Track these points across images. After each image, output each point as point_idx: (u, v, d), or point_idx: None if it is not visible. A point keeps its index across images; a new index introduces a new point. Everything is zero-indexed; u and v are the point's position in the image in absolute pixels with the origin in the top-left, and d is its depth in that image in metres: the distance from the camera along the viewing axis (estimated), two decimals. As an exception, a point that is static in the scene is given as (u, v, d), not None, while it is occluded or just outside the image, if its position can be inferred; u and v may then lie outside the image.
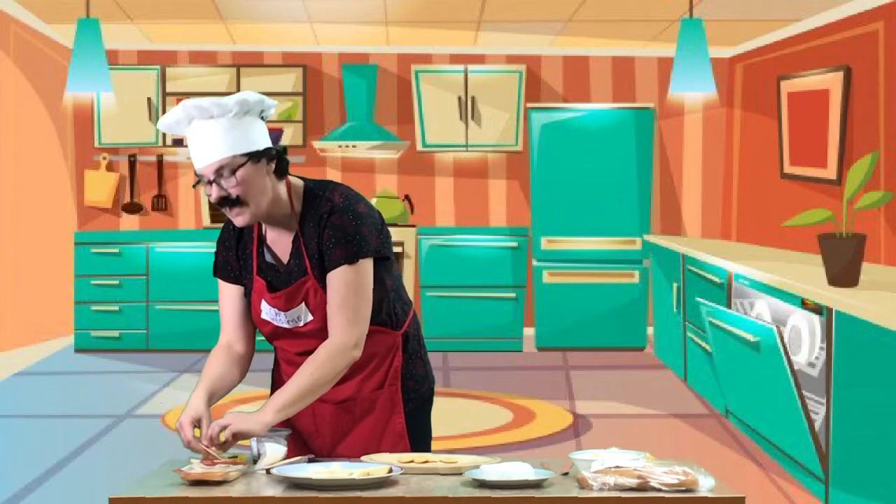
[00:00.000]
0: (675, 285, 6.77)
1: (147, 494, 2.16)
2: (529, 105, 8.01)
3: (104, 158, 8.14)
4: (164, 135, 8.08)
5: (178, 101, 8.08)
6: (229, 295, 2.65)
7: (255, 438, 2.42)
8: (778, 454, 4.81)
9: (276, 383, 2.71)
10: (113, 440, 5.24)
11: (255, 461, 2.40)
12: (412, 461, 2.34)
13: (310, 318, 2.54)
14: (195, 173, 2.55)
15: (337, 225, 2.49)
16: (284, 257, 2.59)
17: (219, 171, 2.47)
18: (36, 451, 5.01)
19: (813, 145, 6.45)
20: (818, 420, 4.32)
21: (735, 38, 7.71)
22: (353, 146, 7.98)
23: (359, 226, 2.50)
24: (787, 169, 6.93)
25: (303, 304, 2.54)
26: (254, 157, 2.47)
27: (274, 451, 2.39)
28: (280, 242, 2.59)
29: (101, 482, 4.57)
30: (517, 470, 2.24)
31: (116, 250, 7.68)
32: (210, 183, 2.50)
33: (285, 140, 8.08)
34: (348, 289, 2.48)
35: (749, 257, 5.74)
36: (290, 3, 6.69)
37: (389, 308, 2.63)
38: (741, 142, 8.08)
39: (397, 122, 8.33)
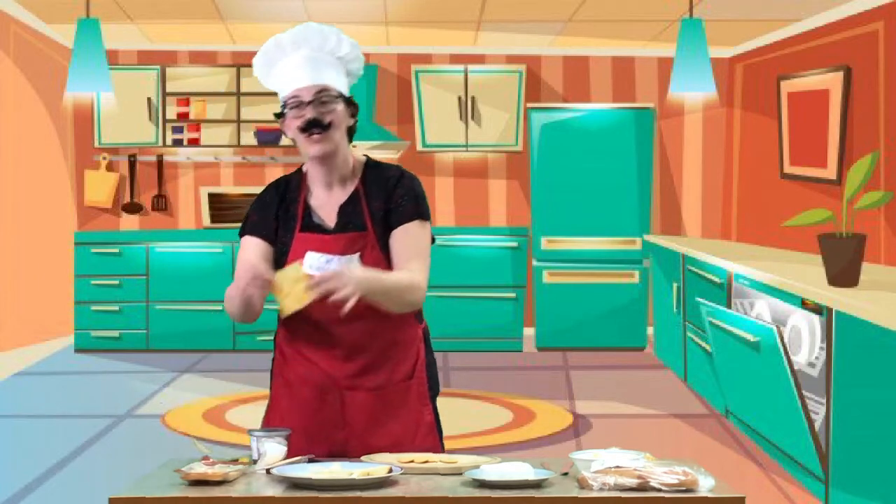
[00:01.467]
0: (675, 285, 6.77)
1: (147, 494, 2.15)
2: (529, 105, 8.01)
3: (104, 158, 8.14)
4: (164, 135, 8.08)
5: (179, 101, 8.12)
6: (254, 249, 2.61)
7: (254, 437, 2.41)
8: (778, 454, 4.81)
9: (277, 379, 2.68)
10: (113, 440, 5.24)
11: (254, 461, 2.40)
12: (412, 461, 2.34)
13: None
14: (283, 100, 2.58)
15: (409, 187, 2.60)
16: (330, 221, 2.58)
17: (320, 94, 2.54)
18: (36, 451, 5.01)
19: (813, 145, 6.45)
20: (818, 420, 4.32)
21: (735, 38, 7.71)
22: (353, 146, 7.95)
23: (424, 196, 2.64)
24: (787, 169, 6.93)
25: (359, 253, 2.54)
26: (347, 102, 2.62)
27: (274, 451, 2.39)
28: (328, 206, 2.61)
29: (101, 482, 4.57)
30: (517, 470, 2.24)
31: (116, 250, 7.68)
32: (303, 105, 2.53)
33: (285, 140, 8.05)
34: (420, 241, 2.58)
35: (749, 257, 5.73)
36: (290, 3, 6.70)
37: None
38: (741, 142, 8.08)
39: (397, 122, 8.33)
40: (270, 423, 2.67)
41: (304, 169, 2.66)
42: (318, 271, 2.45)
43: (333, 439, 2.59)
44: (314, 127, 2.53)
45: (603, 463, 2.21)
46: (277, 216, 2.63)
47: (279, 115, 2.61)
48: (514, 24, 7.31)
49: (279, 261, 2.59)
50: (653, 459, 2.28)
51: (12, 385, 6.58)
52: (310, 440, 2.56)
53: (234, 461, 2.38)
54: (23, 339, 7.12)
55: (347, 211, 2.58)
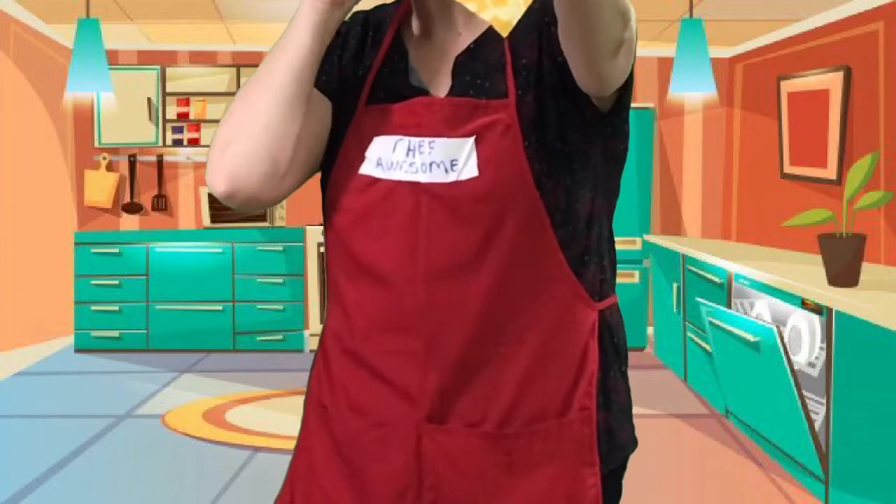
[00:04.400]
0: (675, 285, 6.77)
1: None
2: (529, 105, 8.00)
3: (104, 158, 8.14)
4: (164, 135, 8.08)
5: (179, 101, 8.12)
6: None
7: None
8: (778, 454, 4.81)
9: (312, 404, 1.53)
10: (113, 440, 5.24)
11: None
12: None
13: (474, 172, 1.33)
14: None
15: None
16: (442, 83, 1.42)
17: None
18: (36, 451, 5.01)
19: (813, 145, 6.45)
20: (818, 420, 4.32)
21: (735, 38, 7.71)
22: None
23: None
24: (787, 169, 6.93)
25: (472, 140, 1.34)
26: None
27: None
28: (439, 56, 1.44)
29: (101, 482, 4.57)
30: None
31: (116, 250, 7.68)
32: None
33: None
34: None
35: (749, 257, 5.73)
36: (290, 3, 6.68)
37: (597, 246, 1.44)
38: (741, 142, 8.08)
39: (397, 122, 8.32)
40: (296, 488, 1.53)
41: None
42: (387, 170, 1.37)
43: None
44: None
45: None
46: (344, 63, 1.48)
47: None
48: (514, 24, 7.29)
49: (331, 150, 1.43)
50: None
51: (12, 385, 6.58)
52: None
53: None
54: (23, 339, 7.12)
55: (472, 64, 1.41)
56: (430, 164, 1.34)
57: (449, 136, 1.34)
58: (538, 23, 1.38)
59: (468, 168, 1.32)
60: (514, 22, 1.15)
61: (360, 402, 1.41)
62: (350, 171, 1.39)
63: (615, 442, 1.44)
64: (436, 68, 1.42)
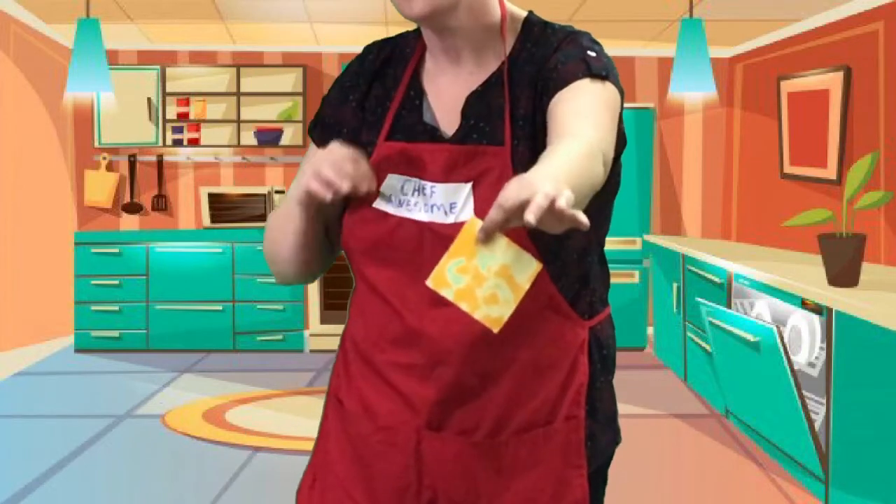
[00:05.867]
0: (675, 285, 6.77)
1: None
2: (529, 105, 8.00)
3: (104, 158, 8.14)
4: (164, 135, 8.08)
5: (179, 101, 8.12)
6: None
7: None
8: (778, 454, 4.81)
9: (331, 400, 1.65)
10: (113, 440, 5.24)
11: None
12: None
13: (471, 215, 1.44)
14: None
15: (576, 42, 1.55)
16: (452, 121, 1.54)
17: None
18: (36, 451, 5.01)
19: (813, 145, 6.45)
20: (818, 420, 4.32)
21: (735, 38, 7.71)
22: None
23: (602, 51, 1.54)
24: (787, 169, 6.93)
25: (469, 185, 1.47)
26: None
27: None
28: (451, 95, 1.55)
29: (101, 482, 4.57)
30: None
31: (116, 250, 7.68)
32: None
33: (285, 140, 8.07)
34: (590, 100, 1.43)
35: (749, 257, 5.73)
36: (290, 3, 6.69)
37: (588, 272, 1.57)
38: (741, 142, 8.08)
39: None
40: (317, 472, 1.65)
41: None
42: (395, 207, 1.50)
43: None
44: None
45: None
46: (363, 106, 1.60)
47: None
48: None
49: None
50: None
51: (12, 385, 6.58)
52: None
53: None
54: (23, 339, 7.12)
55: (478, 107, 1.52)
56: (432, 206, 1.49)
57: (448, 182, 1.49)
58: (535, 77, 1.52)
59: (465, 211, 1.46)
60: (505, 318, 1.32)
61: (371, 405, 1.56)
62: (365, 203, 1.53)
63: (597, 447, 1.57)
64: (447, 107, 1.55)
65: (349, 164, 1.44)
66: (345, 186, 1.41)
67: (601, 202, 1.51)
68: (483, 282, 1.31)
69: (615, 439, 1.63)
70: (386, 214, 1.51)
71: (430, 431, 1.51)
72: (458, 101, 1.54)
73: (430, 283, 1.31)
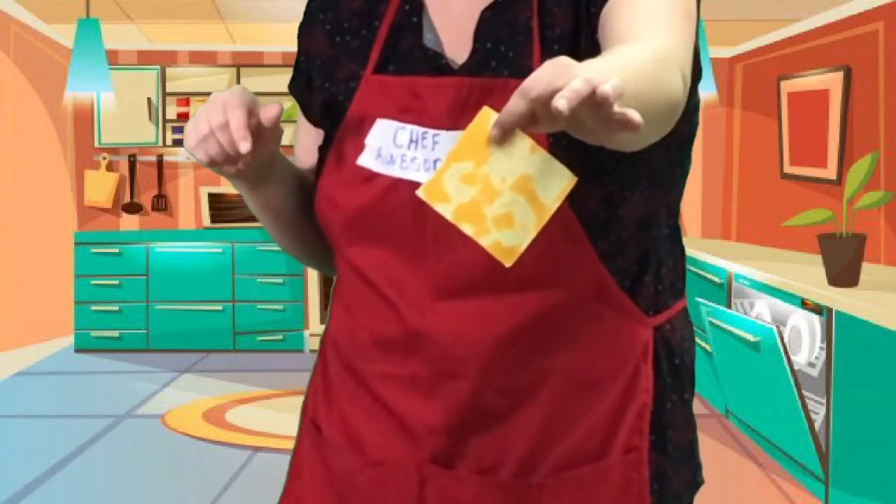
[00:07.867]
0: (675, 285, 6.76)
1: None
2: (529, 105, 7.99)
3: (104, 158, 8.14)
4: (164, 135, 8.08)
5: (179, 101, 8.12)
6: (311, 132, 1.42)
7: None
8: (778, 454, 4.81)
9: (307, 425, 1.31)
10: (113, 440, 5.24)
11: None
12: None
13: None
14: None
15: None
16: (462, 44, 1.14)
17: None
18: (36, 451, 5.01)
19: (813, 145, 6.45)
20: (818, 420, 4.32)
21: (735, 38, 7.71)
22: None
23: None
24: (787, 169, 6.93)
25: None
26: None
27: None
28: (460, 9, 1.16)
29: (101, 482, 4.57)
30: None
31: (116, 250, 7.68)
32: None
33: (285, 140, 8.05)
34: (668, 3, 1.07)
35: (749, 257, 5.73)
36: (290, 3, 6.69)
37: (653, 250, 1.19)
38: (741, 142, 8.08)
39: (397, 122, 8.32)
40: None
41: None
42: (386, 164, 1.11)
43: None
44: None
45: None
46: (343, 23, 1.24)
47: None
48: (514, 24, 7.29)
49: (330, 123, 1.25)
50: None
51: (12, 385, 6.58)
52: None
53: None
54: (23, 339, 7.12)
55: (496, 25, 1.13)
56: (434, 162, 1.07)
57: (455, 129, 1.07)
58: None
59: None
60: (521, 249, 0.92)
61: (358, 433, 1.16)
62: (345, 160, 1.15)
63: (668, 490, 1.15)
64: (455, 25, 1.14)
65: (238, 112, 1.10)
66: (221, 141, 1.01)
67: (674, 149, 1.16)
68: (495, 196, 0.91)
69: (694, 480, 1.22)
70: (373, 174, 1.11)
71: (437, 468, 1.11)
72: (471, 18, 1.14)
73: (421, 193, 0.91)
